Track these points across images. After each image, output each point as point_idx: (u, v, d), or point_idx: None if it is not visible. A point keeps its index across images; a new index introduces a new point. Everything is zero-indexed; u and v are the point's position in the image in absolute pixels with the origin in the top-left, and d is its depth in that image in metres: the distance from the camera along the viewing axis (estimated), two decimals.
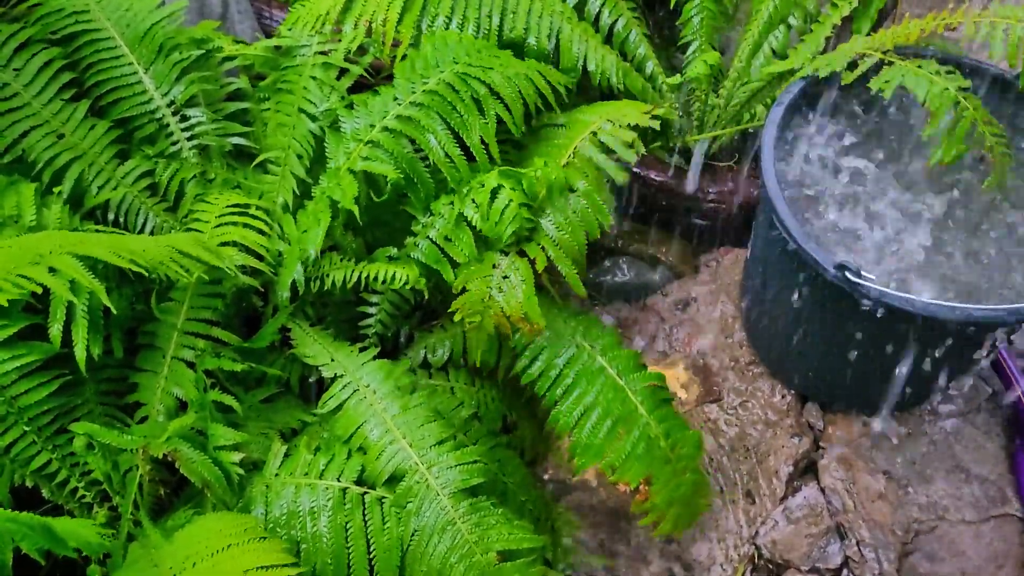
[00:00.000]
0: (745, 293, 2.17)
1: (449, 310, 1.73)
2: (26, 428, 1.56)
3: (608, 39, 2.24)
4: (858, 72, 1.81)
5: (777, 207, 1.68)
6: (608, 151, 1.76)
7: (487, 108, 1.81)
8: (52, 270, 1.32)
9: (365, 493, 1.52)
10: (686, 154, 2.36)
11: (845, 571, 1.88)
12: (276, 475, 1.53)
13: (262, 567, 1.19)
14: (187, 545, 1.28)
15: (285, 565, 1.20)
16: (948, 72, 1.73)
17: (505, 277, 1.69)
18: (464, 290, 1.71)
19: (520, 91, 1.85)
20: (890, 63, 1.79)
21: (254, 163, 1.96)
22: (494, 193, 1.69)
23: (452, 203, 1.76)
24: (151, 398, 1.64)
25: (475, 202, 1.71)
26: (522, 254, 1.72)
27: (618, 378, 1.72)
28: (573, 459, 1.70)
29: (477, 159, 1.81)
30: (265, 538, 1.33)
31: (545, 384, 1.75)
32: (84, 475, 1.60)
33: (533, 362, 1.77)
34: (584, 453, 1.67)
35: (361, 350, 1.73)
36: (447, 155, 1.79)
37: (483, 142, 1.81)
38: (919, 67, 1.75)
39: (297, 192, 1.93)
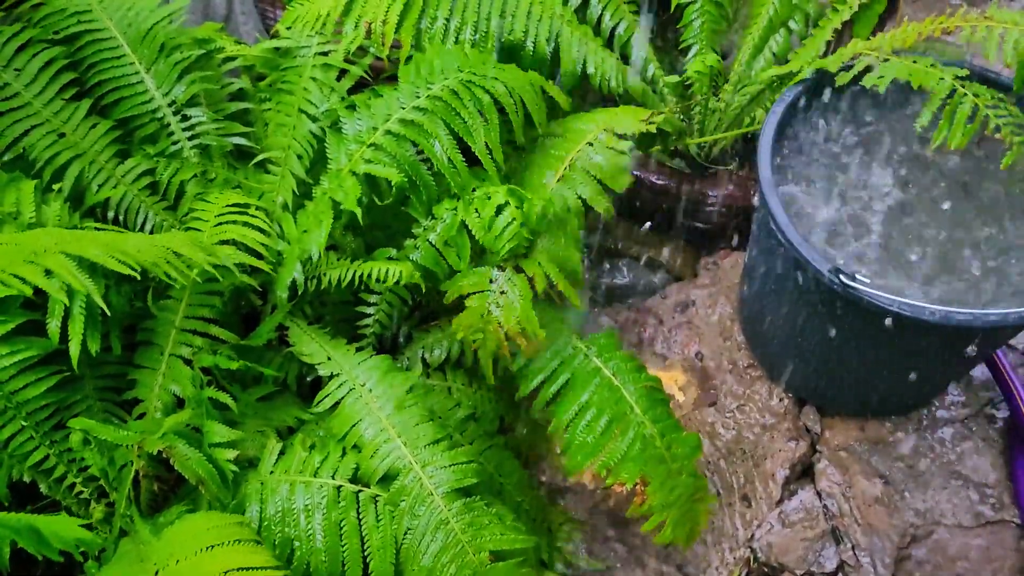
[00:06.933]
0: (743, 296, 2.17)
1: (452, 329, 1.74)
2: (24, 423, 1.56)
3: (609, 42, 2.25)
4: (853, 73, 1.81)
5: (773, 210, 1.68)
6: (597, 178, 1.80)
7: (490, 116, 1.81)
8: (48, 272, 1.33)
9: (359, 491, 1.52)
10: (686, 157, 2.36)
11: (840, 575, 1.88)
12: (271, 473, 1.53)
13: (244, 568, 1.19)
14: (174, 542, 1.28)
15: (269, 568, 1.20)
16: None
17: (503, 293, 1.70)
18: (463, 307, 1.72)
19: (523, 101, 1.85)
20: (886, 61, 1.79)
21: (253, 162, 1.97)
22: (499, 209, 1.69)
23: (455, 209, 1.77)
24: (149, 395, 1.65)
25: (478, 213, 1.72)
26: (518, 270, 1.73)
27: (613, 378, 1.71)
28: (565, 457, 1.68)
29: (484, 165, 1.82)
30: (257, 540, 1.33)
31: (537, 383, 1.74)
32: (81, 471, 1.61)
33: (529, 362, 1.76)
34: (577, 452, 1.66)
35: (358, 349, 1.73)
36: (450, 161, 1.80)
37: (488, 148, 1.81)
38: (914, 63, 1.75)
39: (297, 192, 1.93)
